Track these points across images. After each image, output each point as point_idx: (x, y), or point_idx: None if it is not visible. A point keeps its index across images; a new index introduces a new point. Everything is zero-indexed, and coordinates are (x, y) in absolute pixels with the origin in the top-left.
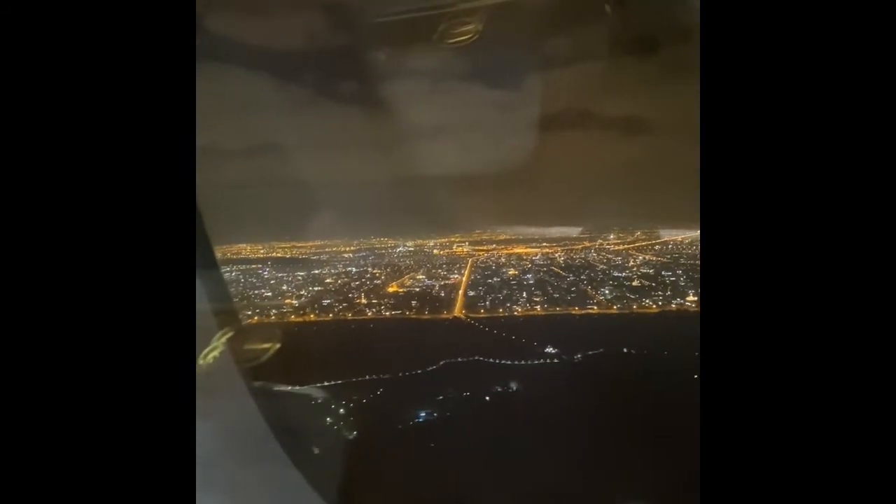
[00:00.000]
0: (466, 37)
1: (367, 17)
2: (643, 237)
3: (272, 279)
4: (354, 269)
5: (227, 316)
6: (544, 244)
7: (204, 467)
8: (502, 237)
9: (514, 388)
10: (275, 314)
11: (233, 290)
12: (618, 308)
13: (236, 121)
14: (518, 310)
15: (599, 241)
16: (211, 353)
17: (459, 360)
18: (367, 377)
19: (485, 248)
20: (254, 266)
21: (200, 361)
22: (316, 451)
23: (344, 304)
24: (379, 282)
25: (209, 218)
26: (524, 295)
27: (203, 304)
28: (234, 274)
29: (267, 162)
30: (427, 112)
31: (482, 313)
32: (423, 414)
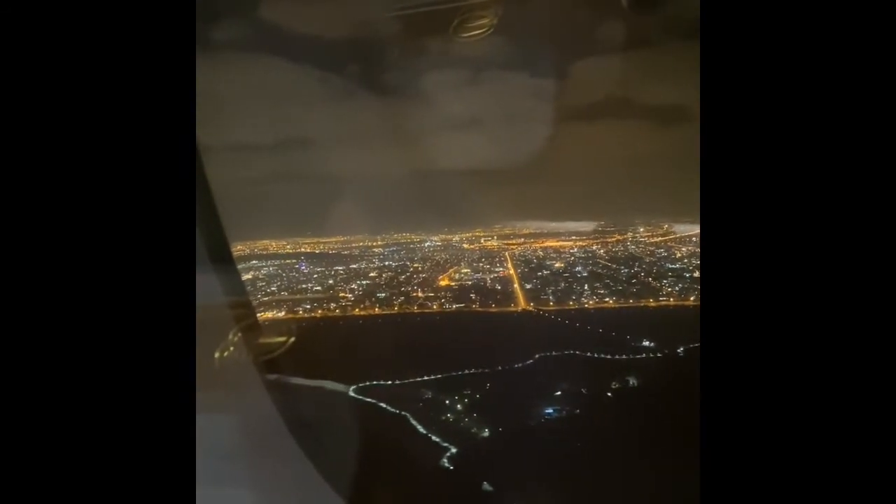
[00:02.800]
0: (481, 31)
1: (382, 11)
2: (671, 230)
3: (313, 274)
4: (393, 264)
5: (243, 310)
6: (574, 237)
7: (224, 460)
8: (525, 231)
9: (633, 384)
10: (334, 307)
11: (279, 284)
12: (694, 299)
13: (272, 114)
14: (588, 302)
15: (629, 233)
16: (229, 347)
17: (553, 353)
18: (466, 371)
19: (514, 242)
20: (288, 261)
21: (217, 355)
22: (335, 446)
23: (402, 298)
24: (425, 275)
25: (234, 214)
26: (585, 287)
27: (218, 299)
28: (271, 269)
29: (295, 157)
30: (464, 103)
31: (551, 306)
32: (550, 410)
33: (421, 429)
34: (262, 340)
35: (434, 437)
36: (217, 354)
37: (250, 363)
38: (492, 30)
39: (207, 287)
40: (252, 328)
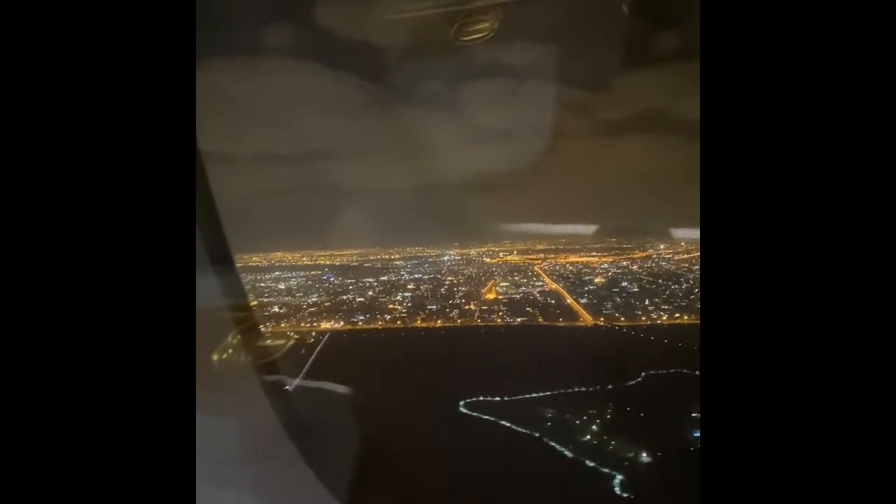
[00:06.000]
0: (482, 35)
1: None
2: (691, 246)
3: (348, 285)
4: (424, 276)
5: (242, 313)
6: (595, 253)
7: (224, 463)
8: (541, 246)
9: None
10: (390, 319)
11: (319, 295)
12: None
13: (304, 123)
14: (660, 318)
15: (650, 250)
16: (228, 349)
17: (661, 372)
18: (576, 389)
19: (535, 257)
20: (313, 272)
21: (214, 357)
22: (334, 449)
23: (456, 311)
24: (466, 289)
25: (251, 224)
26: (646, 302)
27: (218, 302)
28: (299, 280)
29: (317, 168)
30: (498, 114)
31: (622, 321)
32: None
33: (567, 452)
34: (263, 343)
35: (588, 462)
36: (217, 357)
37: (251, 366)
38: (493, 34)
39: (209, 290)
40: (253, 331)
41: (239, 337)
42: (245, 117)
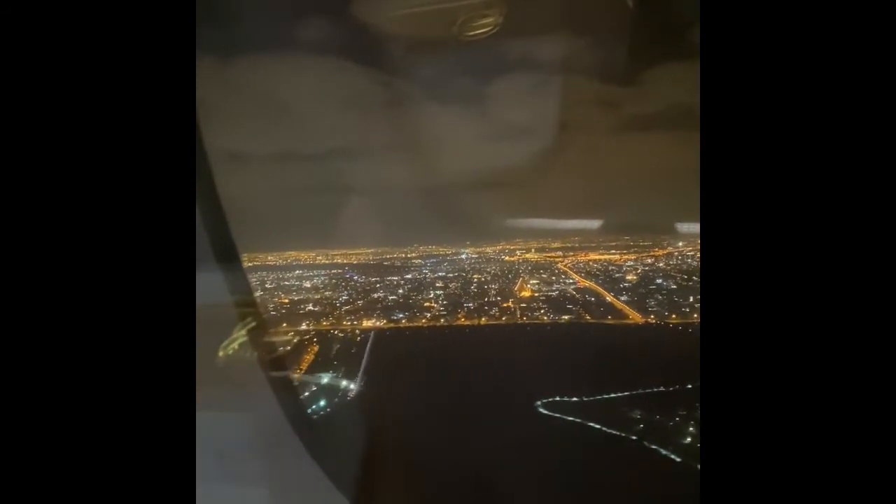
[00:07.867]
0: (486, 29)
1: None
2: None
3: (375, 283)
4: (449, 275)
5: (248, 308)
6: (613, 251)
7: (231, 459)
8: (556, 245)
9: None
10: (431, 316)
11: (349, 293)
12: None
13: (326, 121)
14: None
15: (669, 248)
16: (232, 344)
17: None
18: (655, 389)
19: (554, 254)
20: (335, 271)
21: (221, 353)
22: (339, 444)
23: (496, 309)
24: (497, 287)
25: (264, 225)
26: (689, 299)
27: (222, 297)
28: (323, 278)
29: (333, 166)
30: (520, 110)
31: (675, 318)
32: None
33: (674, 457)
34: (269, 339)
35: (698, 466)
36: (223, 353)
37: (256, 361)
38: (497, 28)
39: (212, 285)
40: (260, 326)
41: (245, 332)
42: (263, 115)
